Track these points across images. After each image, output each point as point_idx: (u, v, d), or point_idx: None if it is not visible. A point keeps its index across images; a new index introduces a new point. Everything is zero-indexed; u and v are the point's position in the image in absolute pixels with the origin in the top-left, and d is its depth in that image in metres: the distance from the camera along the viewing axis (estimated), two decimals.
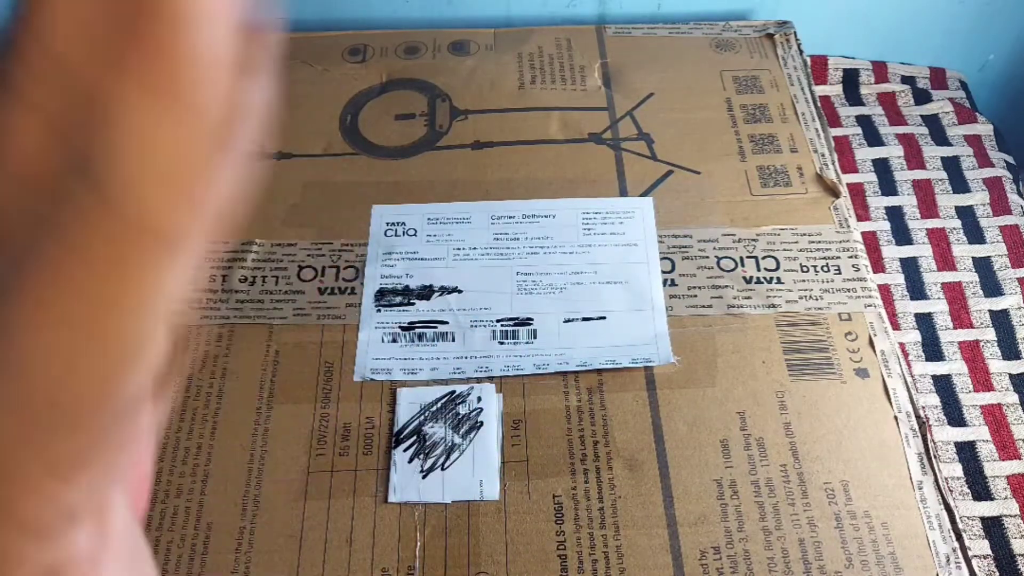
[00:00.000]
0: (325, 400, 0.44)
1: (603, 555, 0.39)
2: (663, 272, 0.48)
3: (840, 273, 0.48)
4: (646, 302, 0.47)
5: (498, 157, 0.55)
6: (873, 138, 0.62)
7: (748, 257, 0.49)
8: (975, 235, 0.56)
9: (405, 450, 0.42)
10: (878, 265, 0.55)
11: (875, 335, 0.45)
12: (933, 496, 0.39)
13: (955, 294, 0.53)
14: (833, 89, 0.66)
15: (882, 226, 0.57)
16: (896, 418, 0.42)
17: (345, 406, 0.44)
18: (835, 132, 0.62)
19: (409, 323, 0.47)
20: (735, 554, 0.38)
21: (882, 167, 0.60)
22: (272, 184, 0.53)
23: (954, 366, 0.50)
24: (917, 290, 0.54)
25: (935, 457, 0.40)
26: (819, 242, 0.49)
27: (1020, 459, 0.46)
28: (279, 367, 0.45)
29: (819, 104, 0.57)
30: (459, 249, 0.50)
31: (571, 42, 0.61)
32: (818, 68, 0.66)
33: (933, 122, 0.63)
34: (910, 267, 0.55)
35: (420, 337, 0.47)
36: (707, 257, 0.49)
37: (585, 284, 0.48)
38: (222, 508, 0.41)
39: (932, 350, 0.51)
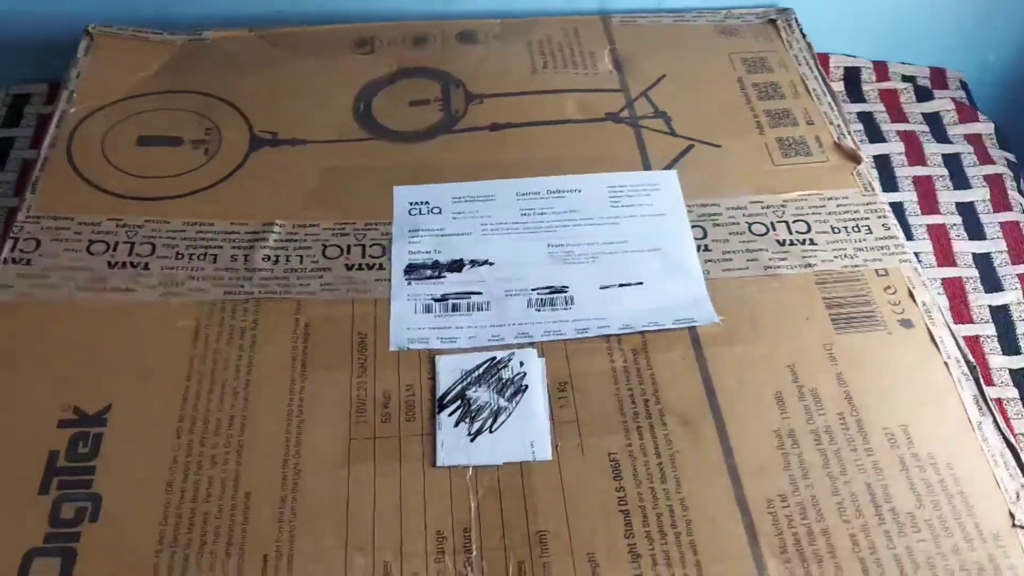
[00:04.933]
0: (362, 370, 0.43)
1: (667, 508, 0.37)
2: (696, 239, 0.48)
3: (871, 232, 0.48)
4: (682, 268, 0.47)
5: (517, 138, 0.54)
6: (874, 134, 0.62)
7: (779, 222, 0.49)
8: (975, 231, 0.56)
9: (450, 415, 0.41)
10: None
11: (914, 288, 0.45)
12: (994, 435, 0.39)
13: (955, 290, 0.53)
14: (835, 86, 0.66)
15: None
16: (946, 364, 0.42)
17: (383, 373, 0.42)
18: None
19: (442, 295, 0.46)
20: (803, 500, 0.37)
21: (883, 163, 0.60)
22: (287, 170, 0.52)
23: None
24: None
25: (990, 400, 0.40)
26: (846, 205, 0.50)
27: (1021, 453, 0.45)
28: (310, 338, 0.44)
29: (828, 82, 0.58)
30: (486, 224, 0.49)
31: (577, 31, 0.62)
32: (820, 66, 0.67)
33: (934, 120, 0.63)
34: None
35: (454, 308, 0.45)
36: (737, 223, 0.49)
37: (618, 253, 0.48)
38: (260, 477, 0.38)
39: None
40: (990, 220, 0.56)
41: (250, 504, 0.37)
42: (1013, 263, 0.54)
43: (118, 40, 0.59)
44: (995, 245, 0.55)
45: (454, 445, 0.40)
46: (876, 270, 0.46)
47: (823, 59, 0.67)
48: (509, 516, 0.37)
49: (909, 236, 0.55)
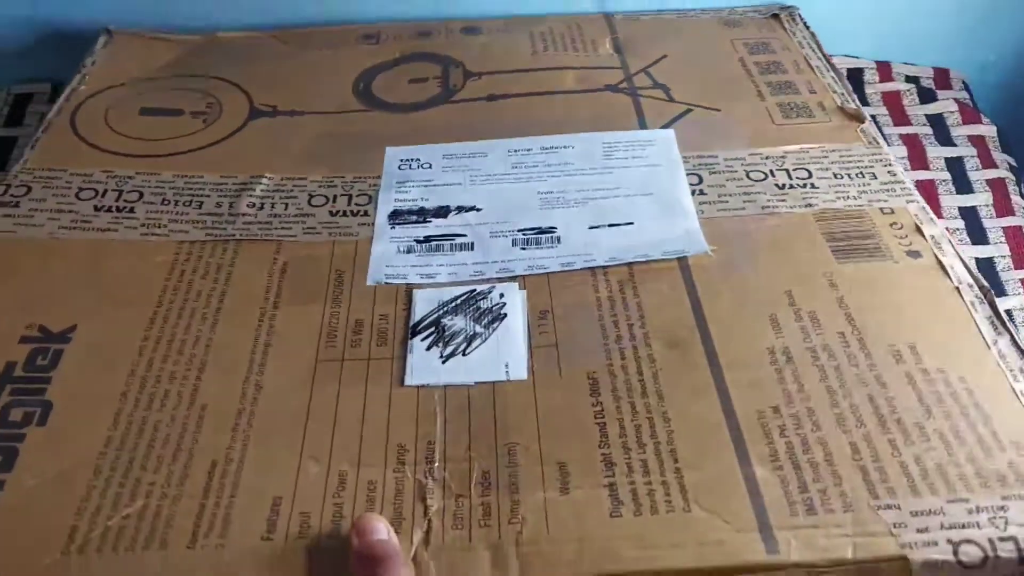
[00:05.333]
0: (336, 302, 0.41)
1: (647, 420, 0.34)
2: (691, 185, 0.46)
3: (876, 178, 0.46)
4: (675, 207, 0.45)
5: (514, 106, 0.54)
6: None
7: (778, 170, 0.47)
8: (978, 236, 0.55)
9: (423, 340, 0.39)
10: None
11: (922, 224, 0.42)
12: (1012, 352, 0.35)
13: None
14: None
15: None
16: (958, 288, 0.38)
17: (357, 304, 0.41)
18: None
19: (425, 236, 0.45)
20: (797, 412, 0.34)
21: None
22: (283, 135, 0.52)
23: None
24: None
25: (1008, 320, 0.37)
26: (850, 156, 0.48)
27: None
28: (286, 275, 0.42)
29: (832, 62, 0.57)
30: (476, 176, 0.48)
31: (580, 25, 0.62)
32: None
33: (938, 122, 0.63)
34: None
35: (437, 248, 0.44)
36: (735, 171, 0.47)
37: (610, 198, 0.46)
38: (219, 393, 0.36)
39: None
40: (993, 225, 0.55)
41: (205, 415, 0.35)
42: (1016, 268, 0.53)
43: (136, 38, 0.62)
44: (998, 250, 0.54)
45: (424, 366, 0.37)
46: (881, 208, 0.44)
47: None
48: (477, 430, 0.35)
49: None
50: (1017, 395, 0.34)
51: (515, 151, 0.50)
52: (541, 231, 0.44)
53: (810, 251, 0.41)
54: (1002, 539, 0.29)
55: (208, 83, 0.57)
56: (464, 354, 0.38)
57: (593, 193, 0.46)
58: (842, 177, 0.46)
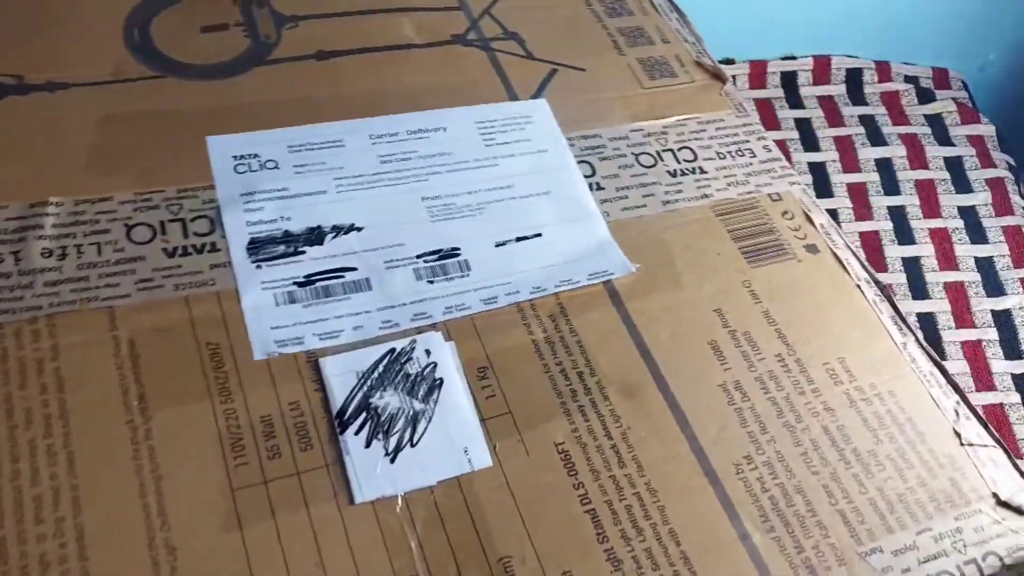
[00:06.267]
0: (224, 393, 0.32)
1: (635, 498, 0.33)
2: (585, 176, 0.42)
3: (755, 156, 0.46)
4: (578, 210, 0.41)
5: (352, 68, 0.45)
6: (876, 138, 0.61)
7: (664, 150, 0.45)
8: (977, 235, 0.55)
9: (356, 433, 0.33)
10: (880, 264, 0.53)
11: (809, 211, 0.43)
12: (920, 355, 0.39)
13: (957, 294, 0.52)
14: (836, 88, 0.64)
15: (884, 225, 0.55)
16: (859, 287, 0.40)
17: (254, 395, 0.33)
18: (838, 131, 0.60)
19: (306, 276, 0.36)
20: (768, 459, 0.34)
21: (885, 166, 0.59)
22: (49, 125, 0.39)
23: (956, 366, 0.49)
24: (919, 290, 0.52)
25: (906, 317, 0.40)
26: (724, 128, 0.47)
27: (1020, 458, 0.46)
28: (141, 361, 0.33)
29: None
30: (341, 178, 0.40)
31: None
32: (821, 67, 0.64)
33: (936, 122, 0.62)
34: (912, 267, 0.54)
35: (326, 291, 0.36)
36: (624, 156, 0.44)
37: (505, 200, 0.41)
38: (120, 568, 0.28)
39: (934, 350, 0.50)
40: (992, 224, 0.56)
41: None
42: (1015, 267, 0.53)
43: None
44: (997, 249, 0.54)
45: (371, 471, 0.32)
46: (769, 195, 0.44)
47: (825, 60, 0.65)
48: (459, 546, 0.31)
49: (910, 240, 0.54)
50: (935, 402, 0.37)
51: (378, 138, 0.42)
52: (443, 255, 0.38)
53: (722, 255, 0.41)
54: (966, 563, 0.32)
55: None
56: (412, 444, 0.33)
57: (486, 196, 0.41)
58: (724, 157, 0.45)
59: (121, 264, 0.35)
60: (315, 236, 0.38)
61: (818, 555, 0.32)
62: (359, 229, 0.38)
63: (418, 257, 0.38)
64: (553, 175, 0.42)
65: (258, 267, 0.36)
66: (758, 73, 0.69)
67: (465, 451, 0.33)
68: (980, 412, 0.37)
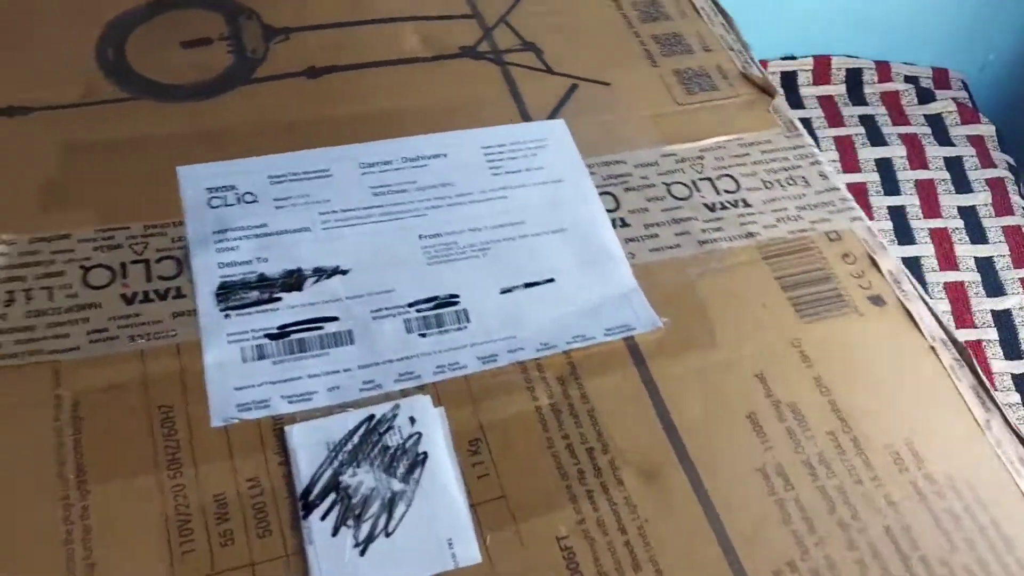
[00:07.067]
0: (174, 466, 0.28)
1: None
2: (608, 211, 0.37)
3: (809, 185, 0.40)
4: (598, 251, 0.36)
5: (346, 85, 0.40)
6: (876, 138, 0.59)
7: (701, 179, 0.39)
8: (977, 235, 0.55)
9: (323, 518, 0.28)
10: None
11: (875, 254, 0.37)
12: (1006, 436, 0.32)
13: (957, 294, 0.52)
14: (836, 89, 0.63)
15: (884, 225, 0.55)
16: (932, 348, 0.34)
17: (208, 468, 0.28)
18: (838, 132, 0.59)
19: (280, 327, 0.32)
20: (816, 566, 0.28)
21: (885, 167, 0.58)
22: (7, 154, 0.35)
23: None
24: None
25: (992, 388, 0.33)
26: (772, 152, 0.41)
27: None
28: (84, 426, 0.28)
29: (717, 1, 0.48)
30: (327, 212, 0.35)
31: None
32: (821, 68, 0.63)
33: (936, 122, 0.61)
34: (912, 267, 0.54)
35: (300, 345, 0.32)
36: (653, 186, 0.38)
37: (515, 239, 0.36)
38: None
39: None
40: (992, 224, 0.55)
41: None
42: (1015, 267, 0.53)
43: None
44: (997, 249, 0.54)
45: (336, 566, 0.27)
46: (827, 234, 0.38)
47: (825, 61, 0.64)
48: None
49: (911, 240, 0.53)
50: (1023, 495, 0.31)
51: (369, 166, 0.37)
52: (439, 303, 0.33)
53: (768, 307, 0.35)
54: None
55: None
56: (387, 534, 0.28)
57: (492, 234, 0.36)
58: (772, 186, 0.39)
59: (73, 312, 0.31)
60: (294, 280, 0.33)
61: None
62: (344, 272, 0.34)
63: (410, 306, 0.33)
64: (570, 209, 0.37)
65: (226, 316, 0.32)
66: None
67: (449, 544, 0.28)
68: None
